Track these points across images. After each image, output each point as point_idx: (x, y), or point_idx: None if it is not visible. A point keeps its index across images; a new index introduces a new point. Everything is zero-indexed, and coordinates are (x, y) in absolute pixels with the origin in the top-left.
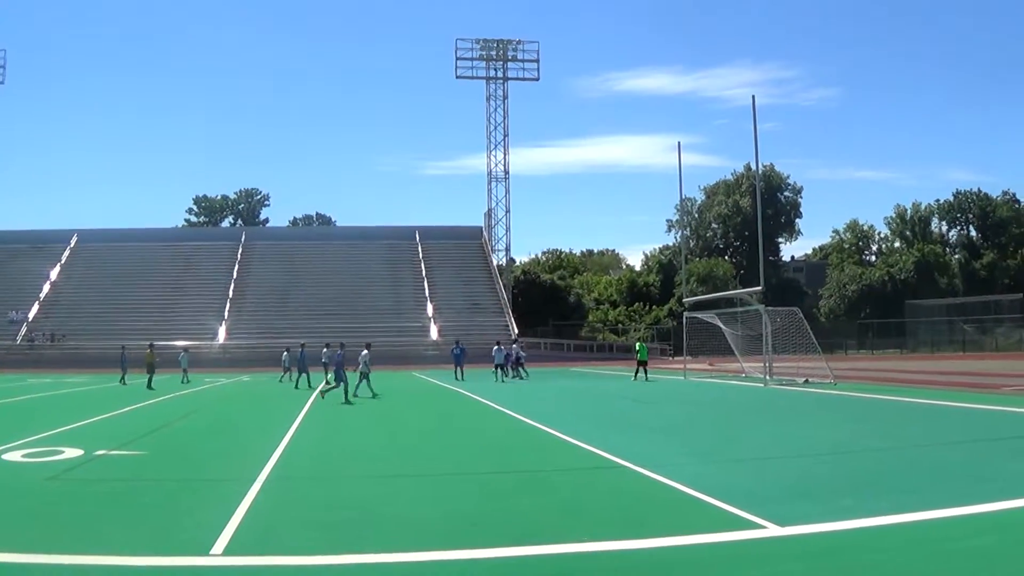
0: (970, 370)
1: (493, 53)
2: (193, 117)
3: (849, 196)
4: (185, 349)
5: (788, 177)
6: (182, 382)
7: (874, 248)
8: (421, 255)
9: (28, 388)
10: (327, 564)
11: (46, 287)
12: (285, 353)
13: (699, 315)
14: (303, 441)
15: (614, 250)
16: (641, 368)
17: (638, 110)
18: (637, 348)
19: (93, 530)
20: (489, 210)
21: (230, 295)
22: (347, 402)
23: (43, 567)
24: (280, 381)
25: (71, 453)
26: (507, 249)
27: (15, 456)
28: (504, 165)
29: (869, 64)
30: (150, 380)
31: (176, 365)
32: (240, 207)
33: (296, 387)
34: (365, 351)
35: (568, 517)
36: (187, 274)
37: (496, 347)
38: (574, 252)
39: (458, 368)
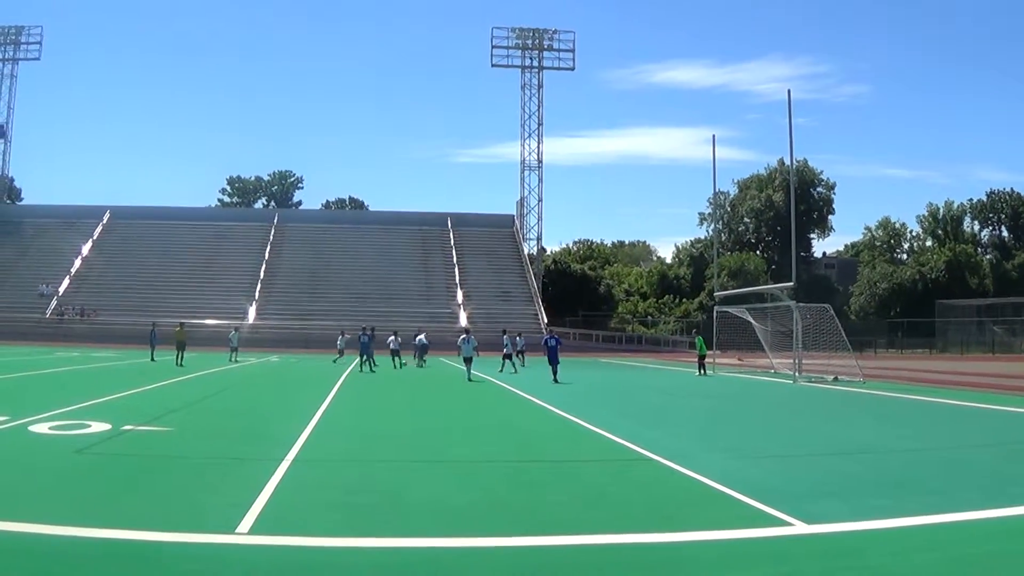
0: (999, 372)
1: (529, 42)
2: (229, 98)
3: (880, 193)
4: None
5: (821, 173)
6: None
7: (905, 247)
8: (452, 242)
9: (57, 361)
10: (351, 546)
11: (77, 262)
12: (340, 337)
13: (729, 309)
14: (331, 423)
15: (645, 242)
16: (701, 363)
17: (671, 102)
18: (697, 344)
19: (119, 505)
20: (521, 199)
21: (261, 276)
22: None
23: (70, 540)
24: (334, 362)
25: (98, 427)
26: (538, 238)
27: (43, 428)
28: (538, 154)
29: (901, 61)
30: (180, 357)
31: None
32: (273, 189)
33: (360, 370)
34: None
35: (594, 508)
36: (218, 254)
37: (504, 336)
38: (605, 243)
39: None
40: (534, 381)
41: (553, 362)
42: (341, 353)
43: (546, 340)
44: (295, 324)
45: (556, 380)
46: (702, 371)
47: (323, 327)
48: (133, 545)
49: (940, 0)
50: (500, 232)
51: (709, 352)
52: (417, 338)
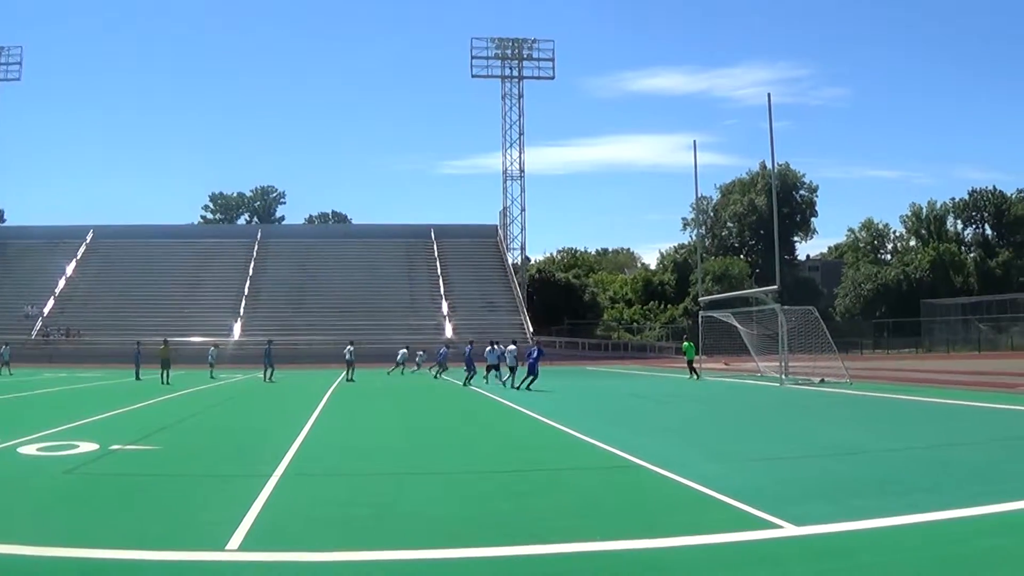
0: (986, 369)
1: (508, 52)
2: (210, 114)
3: (863, 195)
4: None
5: (804, 176)
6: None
7: (889, 247)
8: (436, 253)
9: (43, 382)
10: (342, 560)
11: (61, 282)
12: (403, 350)
13: (714, 314)
14: (319, 438)
15: (629, 249)
16: (690, 368)
17: (651, 110)
18: (684, 348)
19: (108, 524)
20: (504, 208)
21: (245, 292)
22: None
23: (59, 560)
24: (388, 374)
25: (86, 447)
26: (522, 248)
27: (31, 449)
28: (519, 164)
29: (880, 63)
30: (165, 375)
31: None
32: (256, 204)
33: (435, 377)
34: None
35: (584, 516)
36: (202, 271)
37: (489, 348)
38: (589, 251)
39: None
40: (521, 392)
41: (531, 371)
42: (398, 366)
43: (530, 351)
44: (281, 339)
45: (516, 387)
46: (693, 375)
47: (309, 342)
48: (122, 564)
49: (918, 1)
50: (484, 242)
51: (696, 357)
52: (441, 351)
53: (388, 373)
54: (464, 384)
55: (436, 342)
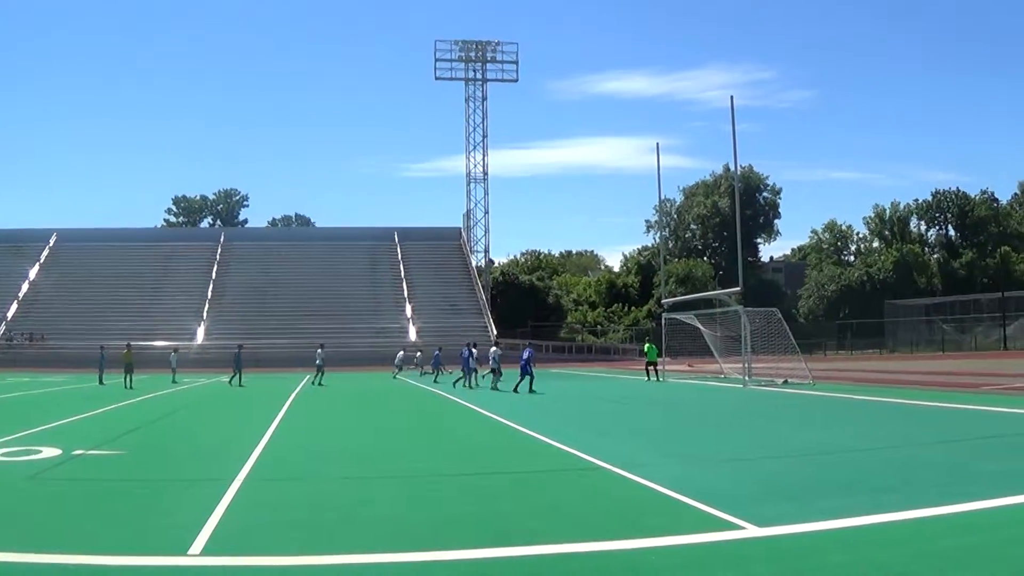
0: (949, 370)
1: (472, 54)
2: (172, 117)
3: (827, 197)
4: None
5: (767, 178)
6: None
7: (853, 248)
8: (400, 256)
9: (6, 387)
10: (306, 564)
11: (25, 286)
12: (401, 352)
13: (678, 316)
14: (282, 442)
15: (593, 251)
16: (652, 369)
17: (615, 112)
18: (646, 350)
19: (71, 530)
20: (468, 211)
21: (209, 295)
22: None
23: (21, 566)
24: (394, 377)
25: (49, 453)
26: (486, 250)
27: None
28: (483, 166)
29: (843, 65)
30: (128, 380)
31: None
32: (219, 207)
33: (435, 381)
34: (495, 348)
35: (548, 519)
36: (166, 274)
37: (464, 349)
38: (553, 253)
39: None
40: (487, 395)
41: (524, 373)
42: (420, 367)
43: (520, 354)
44: (245, 343)
45: (516, 390)
46: (650, 377)
47: (273, 345)
48: (85, 570)
49: (878, 3)
50: (447, 245)
51: (659, 359)
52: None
53: (394, 377)
54: (454, 384)
55: (398, 345)
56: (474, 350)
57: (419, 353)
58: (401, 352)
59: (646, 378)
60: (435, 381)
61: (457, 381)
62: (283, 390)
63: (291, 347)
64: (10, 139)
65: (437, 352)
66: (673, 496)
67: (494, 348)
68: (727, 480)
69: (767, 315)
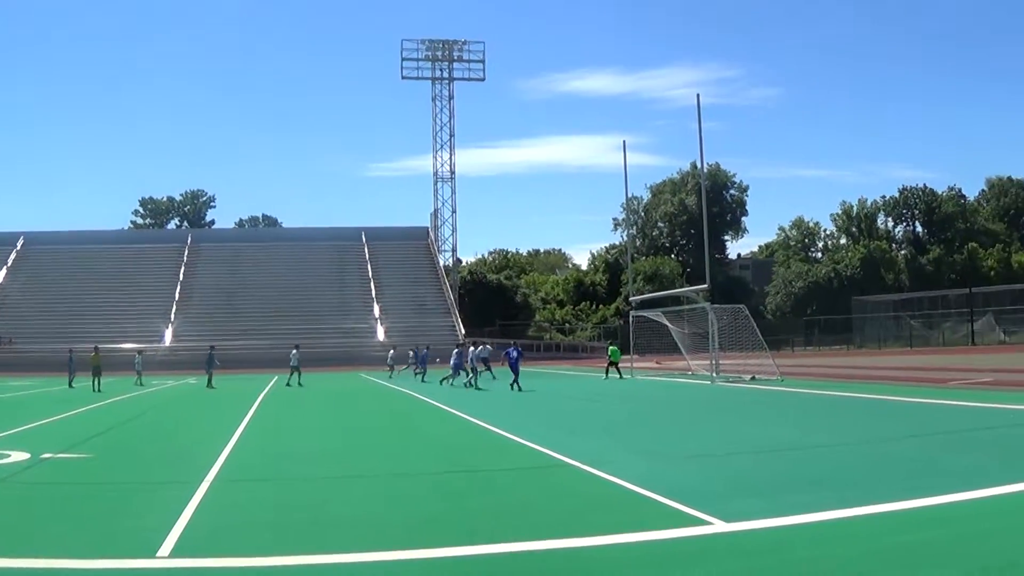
0: (916, 365)
1: (439, 54)
2: (138, 118)
3: (794, 194)
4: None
5: (734, 175)
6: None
7: (820, 245)
8: (367, 256)
9: None
10: (276, 565)
11: None
12: (411, 352)
13: (646, 314)
14: (250, 443)
15: (560, 249)
16: (613, 367)
17: (582, 111)
18: (609, 351)
19: (40, 533)
20: (435, 211)
21: (176, 297)
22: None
23: None
24: (391, 377)
25: (17, 456)
26: (453, 249)
27: None
28: (450, 165)
29: (810, 63)
30: (96, 383)
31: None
32: (186, 208)
33: (422, 381)
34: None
35: (517, 516)
36: (134, 277)
37: (455, 350)
38: (521, 252)
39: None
40: (453, 393)
41: (514, 371)
42: (410, 366)
43: (508, 352)
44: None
45: (514, 388)
46: (609, 375)
47: (241, 347)
48: (52, 573)
49: (844, 1)
50: (415, 245)
51: (626, 356)
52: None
53: (390, 377)
54: (441, 382)
55: (365, 345)
56: (470, 350)
57: (411, 352)
58: (392, 350)
59: (604, 376)
60: (422, 381)
61: (444, 380)
62: (252, 391)
63: (260, 348)
64: None
65: (425, 351)
66: (641, 492)
67: (482, 347)
68: (695, 476)
69: (734, 312)
